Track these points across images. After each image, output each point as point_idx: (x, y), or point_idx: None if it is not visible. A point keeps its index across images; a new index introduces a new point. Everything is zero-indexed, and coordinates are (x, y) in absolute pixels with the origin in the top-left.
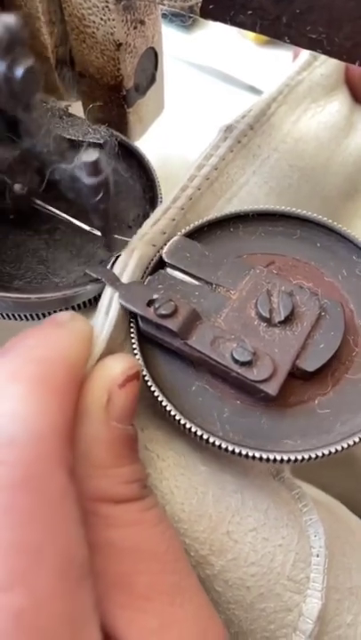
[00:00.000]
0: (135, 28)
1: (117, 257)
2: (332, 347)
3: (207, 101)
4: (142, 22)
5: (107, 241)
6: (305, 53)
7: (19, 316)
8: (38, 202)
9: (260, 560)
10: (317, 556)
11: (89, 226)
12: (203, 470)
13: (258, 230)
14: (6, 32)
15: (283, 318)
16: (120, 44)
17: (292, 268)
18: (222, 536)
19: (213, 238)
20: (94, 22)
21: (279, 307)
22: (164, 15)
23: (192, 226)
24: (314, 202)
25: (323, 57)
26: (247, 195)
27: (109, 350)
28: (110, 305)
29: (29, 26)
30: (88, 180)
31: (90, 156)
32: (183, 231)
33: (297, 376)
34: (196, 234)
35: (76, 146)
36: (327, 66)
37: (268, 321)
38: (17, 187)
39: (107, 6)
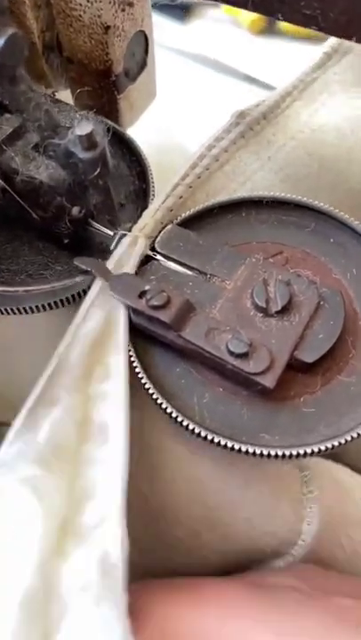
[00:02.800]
0: (123, 10)
1: (123, 235)
2: (331, 337)
3: (202, 91)
4: (130, 4)
5: (110, 218)
6: (318, 54)
7: (7, 310)
8: (94, 224)
9: (248, 540)
10: (303, 541)
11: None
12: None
13: (271, 218)
14: None
15: (280, 308)
16: (108, 27)
17: (300, 260)
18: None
19: (224, 222)
20: (80, 5)
21: (276, 296)
22: (154, 4)
23: (202, 206)
24: (336, 193)
25: (336, 56)
26: (262, 179)
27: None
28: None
29: (14, 10)
30: (84, 155)
31: (83, 129)
32: (195, 210)
33: (295, 368)
34: (206, 215)
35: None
36: (341, 65)
37: (265, 311)
38: (75, 210)
39: None
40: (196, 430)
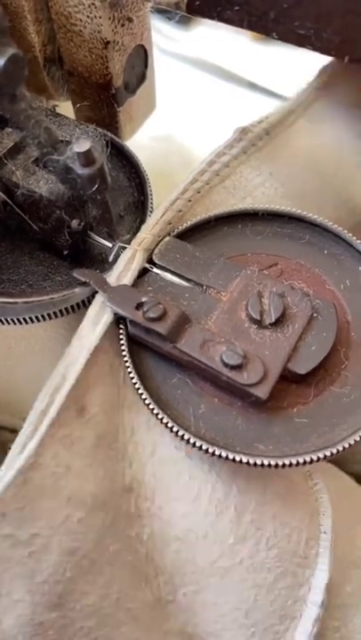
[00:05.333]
0: (123, 25)
1: (121, 247)
2: (324, 349)
3: (204, 97)
4: (130, 20)
5: (109, 230)
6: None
7: (7, 320)
8: (93, 236)
9: (278, 542)
10: (325, 532)
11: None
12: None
13: (266, 230)
14: None
15: (274, 320)
16: (108, 42)
17: (294, 272)
18: (246, 524)
19: (221, 234)
20: (81, 20)
21: (270, 308)
22: (158, 10)
23: (199, 218)
24: (338, 210)
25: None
26: (262, 195)
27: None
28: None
29: (16, 25)
30: (82, 171)
31: (81, 146)
32: (193, 222)
33: (288, 379)
34: (204, 227)
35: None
36: (345, 84)
37: (259, 323)
38: (74, 222)
39: (93, 4)
40: (192, 440)
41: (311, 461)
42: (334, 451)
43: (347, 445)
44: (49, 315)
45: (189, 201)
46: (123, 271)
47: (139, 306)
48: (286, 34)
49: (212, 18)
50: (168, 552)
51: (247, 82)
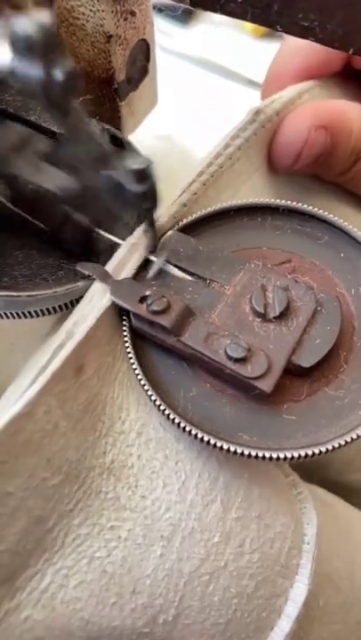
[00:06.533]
0: (125, 19)
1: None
2: (328, 342)
3: (205, 95)
4: (133, 13)
5: (152, 247)
6: None
7: (11, 314)
8: (100, 231)
9: (262, 546)
10: (308, 543)
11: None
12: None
13: (285, 226)
14: (42, 32)
15: (278, 313)
16: (110, 36)
17: (306, 270)
18: (231, 522)
19: (238, 224)
20: (83, 14)
21: (274, 302)
22: (159, 9)
23: (219, 207)
24: (337, 195)
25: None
26: (261, 177)
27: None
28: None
29: None
30: (136, 188)
31: (138, 162)
32: (209, 210)
33: (292, 372)
34: (220, 216)
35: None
36: None
37: (263, 316)
38: (81, 218)
39: None
40: (177, 421)
41: (293, 458)
42: (317, 451)
43: (331, 448)
44: (54, 308)
45: (204, 184)
46: (125, 257)
47: (142, 299)
48: (290, 26)
49: (215, 11)
50: (150, 559)
51: (248, 79)
